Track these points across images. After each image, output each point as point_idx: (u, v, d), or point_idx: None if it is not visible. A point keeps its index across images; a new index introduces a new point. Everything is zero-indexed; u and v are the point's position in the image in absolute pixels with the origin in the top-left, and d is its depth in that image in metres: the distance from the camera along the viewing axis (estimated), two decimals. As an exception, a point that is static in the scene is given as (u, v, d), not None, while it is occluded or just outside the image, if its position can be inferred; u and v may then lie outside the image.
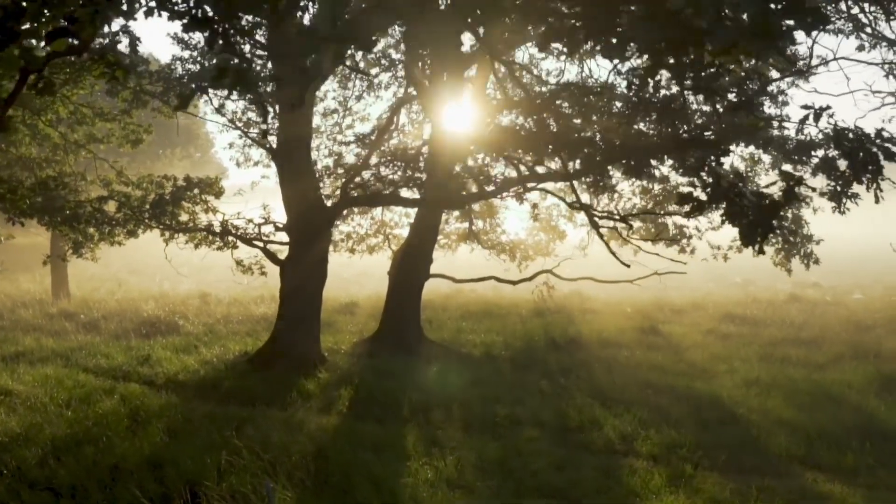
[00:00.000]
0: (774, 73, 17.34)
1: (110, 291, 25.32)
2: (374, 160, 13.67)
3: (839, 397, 11.41)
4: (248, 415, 9.95)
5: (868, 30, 13.95)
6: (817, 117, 4.50)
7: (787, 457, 8.71)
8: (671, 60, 2.80)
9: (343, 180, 13.59)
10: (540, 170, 12.79)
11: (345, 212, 20.42)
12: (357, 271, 32.53)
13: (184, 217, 14.49)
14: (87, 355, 14.22)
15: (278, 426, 9.23)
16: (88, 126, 16.24)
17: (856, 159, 4.62)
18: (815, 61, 15.97)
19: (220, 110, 15.53)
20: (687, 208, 3.67)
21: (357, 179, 13.45)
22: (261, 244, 14.11)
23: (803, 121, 6.11)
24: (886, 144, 4.50)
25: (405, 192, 15.13)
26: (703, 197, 3.53)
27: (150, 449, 8.23)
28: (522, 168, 13.08)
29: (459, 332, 17.87)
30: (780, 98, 16.78)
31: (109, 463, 7.71)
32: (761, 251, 3.69)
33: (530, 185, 13.71)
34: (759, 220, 3.53)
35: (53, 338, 16.53)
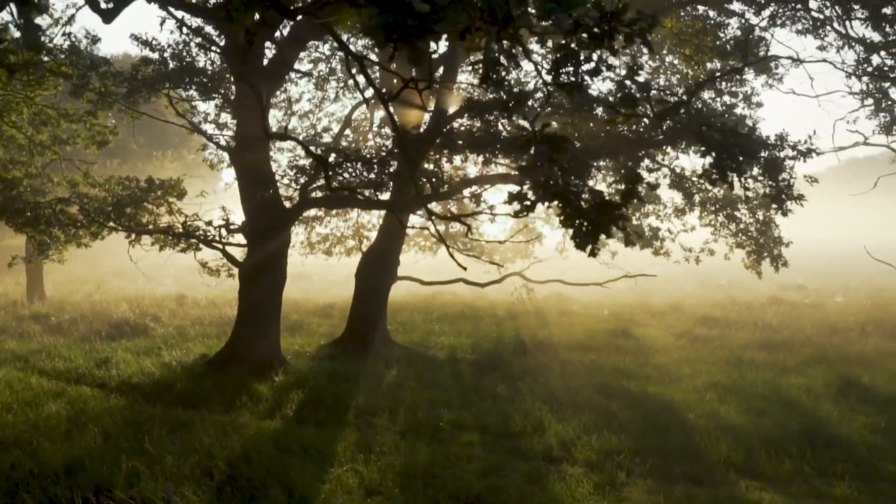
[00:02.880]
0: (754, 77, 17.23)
1: (88, 294, 25.25)
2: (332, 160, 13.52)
3: (794, 402, 11.22)
4: (189, 418, 9.83)
5: (832, 29, 13.79)
6: (675, 110, 4.35)
7: (725, 463, 8.53)
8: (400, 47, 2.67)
9: (303, 181, 13.46)
10: (492, 170, 12.66)
11: (323, 213, 20.33)
12: (345, 274, 32.39)
13: (145, 218, 14.39)
14: (46, 357, 14.11)
15: (214, 430, 9.10)
16: (53, 127, 16.17)
17: (714, 154, 4.45)
18: (776, 63, 15.80)
19: (182, 114, 15.44)
20: (517, 207, 3.54)
21: (315, 183, 13.32)
22: (220, 246, 13.98)
23: (663, 115, 5.96)
24: (750, 142, 4.34)
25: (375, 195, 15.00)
26: (532, 196, 3.42)
27: (76, 453, 8.10)
28: (478, 168, 12.97)
29: (429, 335, 17.71)
30: (755, 99, 16.69)
31: (28, 468, 7.59)
32: (592, 254, 3.57)
33: (486, 186, 13.57)
34: (596, 222, 3.41)
35: (17, 340, 16.45)
